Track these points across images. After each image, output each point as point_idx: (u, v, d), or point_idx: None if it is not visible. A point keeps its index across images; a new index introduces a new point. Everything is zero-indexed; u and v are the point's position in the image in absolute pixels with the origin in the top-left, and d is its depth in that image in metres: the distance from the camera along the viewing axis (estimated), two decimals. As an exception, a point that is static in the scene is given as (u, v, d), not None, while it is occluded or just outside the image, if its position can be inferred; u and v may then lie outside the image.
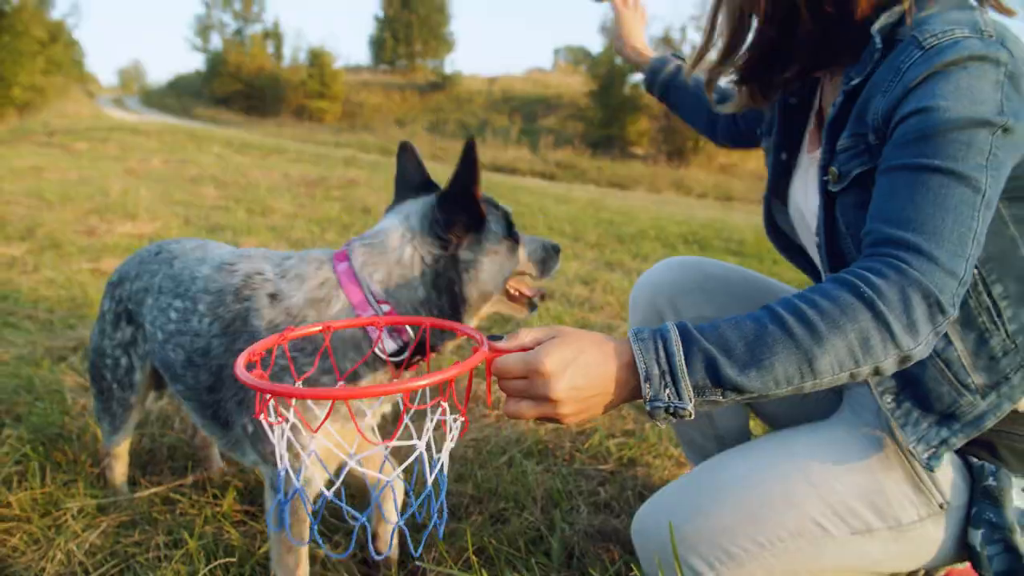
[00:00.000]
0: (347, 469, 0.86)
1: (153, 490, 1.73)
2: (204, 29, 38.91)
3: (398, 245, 1.25)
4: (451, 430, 0.89)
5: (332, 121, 31.96)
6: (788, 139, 1.33)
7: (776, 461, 1.17)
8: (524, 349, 0.92)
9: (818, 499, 1.12)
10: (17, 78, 19.49)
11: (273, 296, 1.26)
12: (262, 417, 0.83)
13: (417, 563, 1.45)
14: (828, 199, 1.13)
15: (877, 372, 0.92)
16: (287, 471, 0.86)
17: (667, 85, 1.81)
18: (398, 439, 0.87)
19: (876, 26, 1.04)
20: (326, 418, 0.85)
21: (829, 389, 1.44)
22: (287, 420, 0.86)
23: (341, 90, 34.02)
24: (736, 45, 1.16)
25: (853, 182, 1.07)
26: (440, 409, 0.88)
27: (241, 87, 35.02)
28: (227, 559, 1.47)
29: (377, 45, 40.52)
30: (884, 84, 1.01)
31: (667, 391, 0.89)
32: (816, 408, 1.44)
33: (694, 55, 1.26)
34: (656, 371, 0.89)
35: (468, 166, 1.19)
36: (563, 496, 1.74)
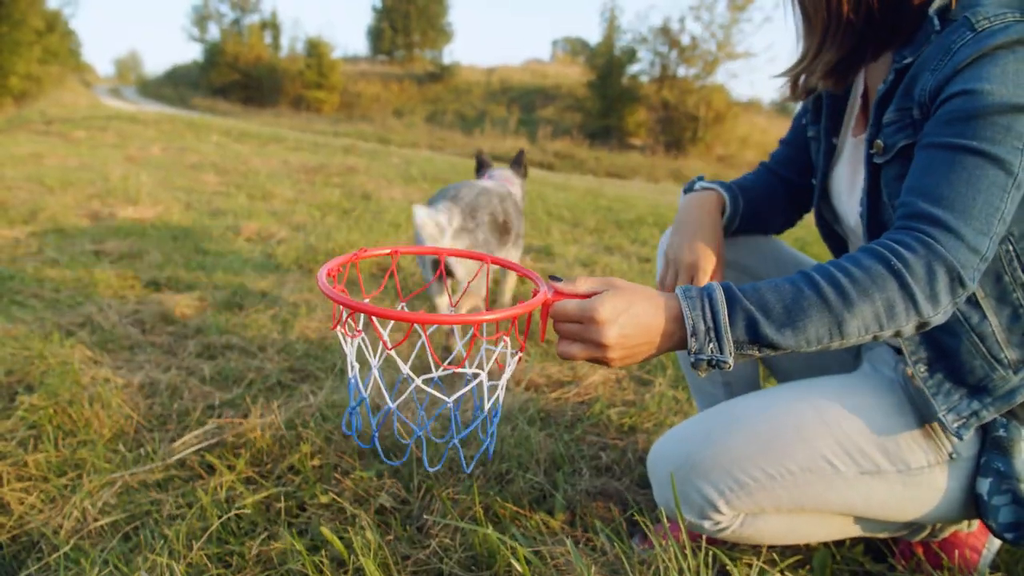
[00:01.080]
0: (412, 388, 0.93)
1: (179, 456, 1.77)
2: (201, 19, 38.73)
3: (511, 175, 2.94)
4: (509, 363, 0.97)
5: (330, 111, 31.92)
6: (835, 123, 1.37)
7: (791, 400, 1.23)
8: (580, 296, 1.00)
9: (829, 436, 1.17)
10: (14, 67, 19.44)
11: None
12: (338, 329, 0.91)
13: (425, 516, 1.50)
14: (873, 171, 1.18)
15: (897, 334, 1.00)
16: (356, 380, 0.94)
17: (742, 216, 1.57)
18: (452, 368, 0.96)
19: (934, 7, 1.09)
20: (404, 339, 0.91)
21: (846, 350, 1.51)
22: (362, 335, 0.94)
23: (339, 80, 33.96)
24: (828, 38, 1.19)
25: (897, 154, 1.12)
26: (502, 342, 0.97)
27: (238, 77, 34.94)
28: (237, 512, 1.51)
29: (375, 35, 40.39)
30: (933, 62, 1.06)
31: (711, 345, 0.97)
32: (832, 367, 1.50)
33: (801, 63, 1.26)
34: (702, 327, 0.97)
35: (521, 153, 2.75)
36: (565, 460, 1.78)
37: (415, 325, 0.87)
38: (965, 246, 0.97)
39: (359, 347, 0.98)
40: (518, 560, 1.27)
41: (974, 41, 1.01)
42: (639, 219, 6.54)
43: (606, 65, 26.78)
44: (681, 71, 26.01)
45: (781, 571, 1.34)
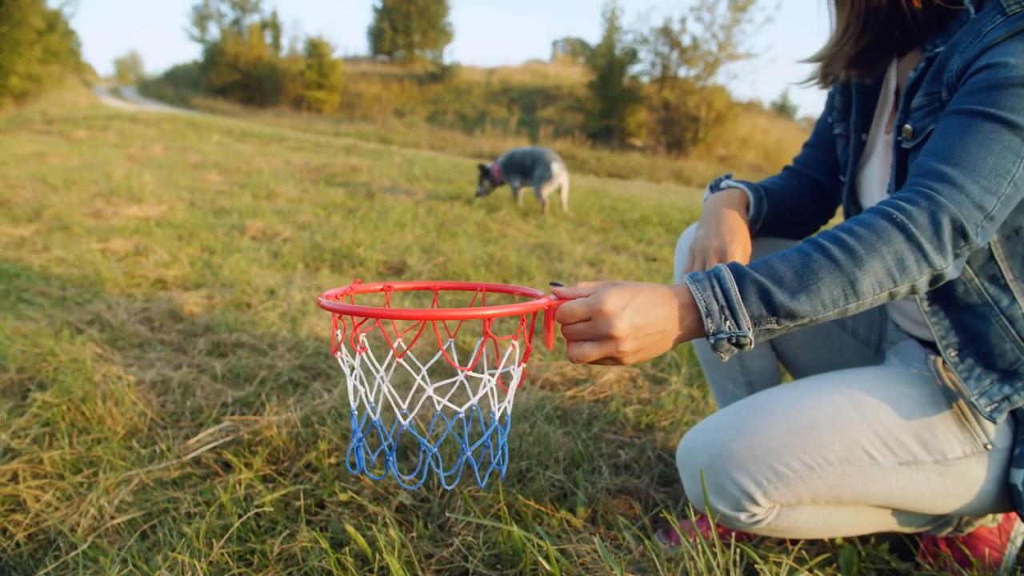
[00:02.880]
0: (424, 398, 0.90)
1: (194, 453, 1.76)
2: (202, 19, 38.66)
3: None
4: (515, 373, 0.94)
5: (330, 111, 31.89)
6: (866, 119, 1.36)
7: (824, 390, 1.21)
8: (584, 296, 0.98)
9: (866, 427, 1.16)
10: (15, 67, 19.40)
11: None
12: (338, 355, 0.87)
13: (447, 514, 1.48)
14: (900, 158, 1.17)
15: (913, 291, 0.99)
16: (369, 401, 0.91)
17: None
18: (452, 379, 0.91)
19: None
20: (416, 339, 0.88)
21: (866, 345, 1.49)
22: (367, 351, 0.91)
23: (339, 80, 33.92)
24: (852, 24, 1.18)
25: (925, 139, 1.11)
26: (512, 345, 0.94)
27: (239, 77, 34.92)
28: (257, 511, 1.49)
29: (375, 35, 40.36)
30: (963, 45, 1.06)
31: (728, 323, 0.95)
32: (853, 363, 1.49)
33: (828, 49, 1.25)
34: (715, 306, 0.95)
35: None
36: (584, 458, 1.77)
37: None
38: (969, 201, 0.96)
39: (359, 372, 0.94)
40: (547, 558, 1.25)
41: (1005, 23, 1.02)
42: (644, 218, 6.53)
43: (607, 65, 26.75)
44: (682, 72, 25.99)
45: (810, 569, 1.32)
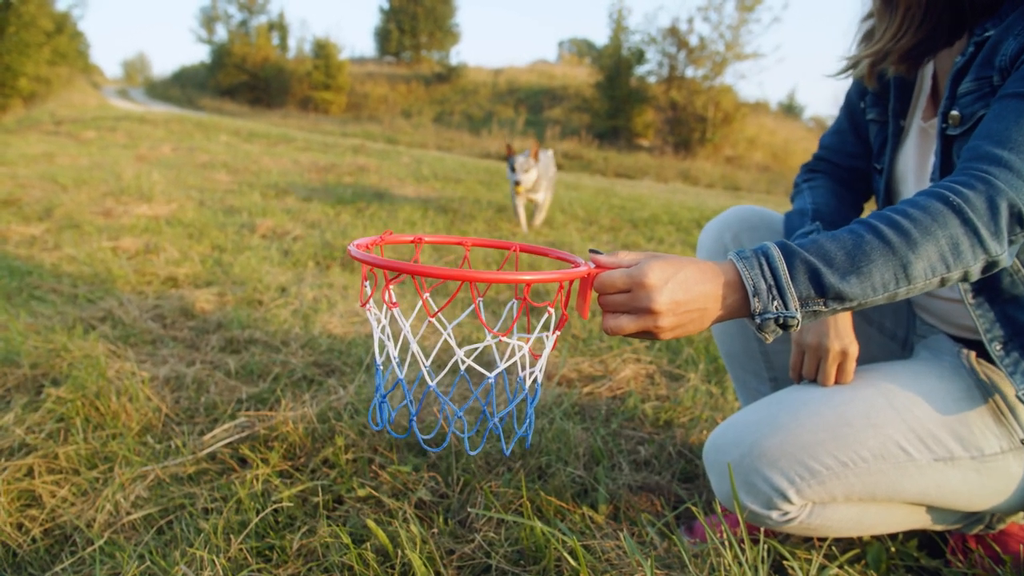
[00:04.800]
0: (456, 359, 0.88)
1: (210, 449, 1.74)
2: (209, 20, 38.74)
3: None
4: (549, 338, 0.90)
5: (337, 112, 31.92)
6: (904, 105, 1.32)
7: (857, 386, 1.19)
8: (624, 267, 0.95)
9: (901, 422, 1.13)
10: (23, 68, 19.44)
11: None
12: (368, 307, 0.84)
13: (469, 509, 1.46)
14: (945, 145, 1.14)
15: (965, 278, 0.95)
16: (394, 358, 0.87)
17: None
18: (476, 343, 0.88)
19: None
20: (453, 296, 0.84)
21: (892, 339, 1.46)
22: (398, 306, 0.87)
23: (346, 81, 33.94)
24: (921, 20, 1.15)
25: (974, 125, 1.08)
26: (547, 313, 0.91)
27: (246, 78, 34.97)
28: (275, 506, 1.47)
29: (382, 36, 40.37)
30: (1016, 28, 1.03)
31: (775, 303, 0.91)
32: (878, 358, 1.46)
33: (882, 45, 1.21)
34: (763, 285, 0.92)
35: None
36: (604, 454, 1.74)
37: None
38: None
39: (385, 327, 0.91)
40: (574, 555, 1.23)
41: None
42: (653, 217, 6.50)
43: (614, 66, 26.68)
44: (689, 72, 25.90)
45: (840, 565, 1.30)
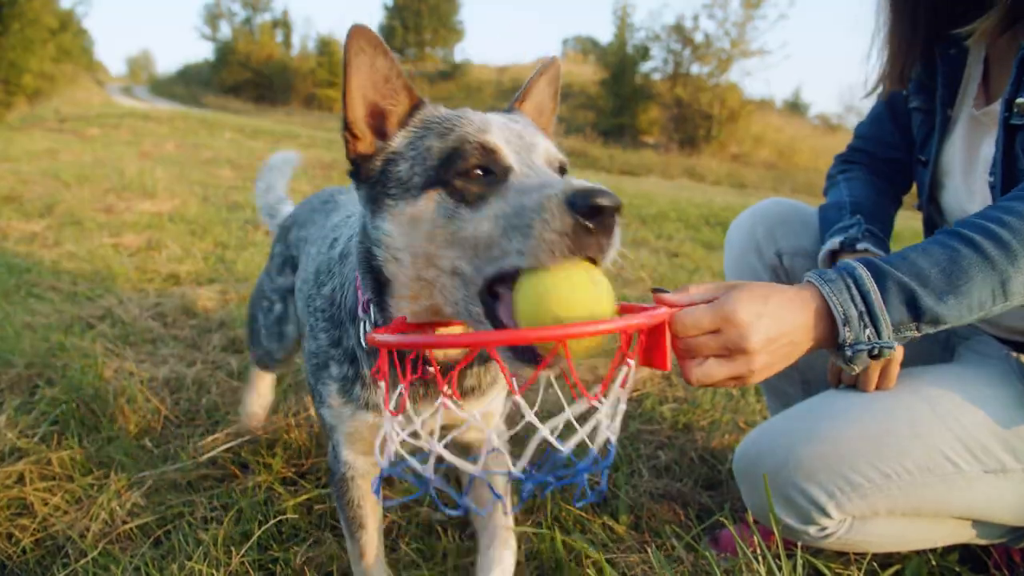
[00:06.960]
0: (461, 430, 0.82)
1: (210, 454, 1.67)
2: (213, 18, 38.73)
3: None
4: (619, 399, 0.79)
5: (341, 109, 31.86)
6: (951, 93, 1.24)
7: (898, 393, 1.10)
8: (701, 304, 0.83)
9: (947, 432, 1.05)
10: (28, 65, 19.40)
11: None
12: (387, 415, 0.76)
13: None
14: (1009, 136, 1.05)
15: None
16: (390, 436, 0.78)
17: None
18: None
19: None
20: (465, 362, 0.74)
21: (934, 342, 1.35)
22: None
23: (350, 79, 33.90)
24: None
25: None
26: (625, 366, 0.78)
27: (250, 76, 34.97)
28: (279, 517, 1.40)
29: (386, 33, 40.24)
30: None
31: (867, 331, 0.82)
32: (916, 360, 1.37)
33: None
34: (854, 312, 0.82)
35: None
36: (623, 459, 1.66)
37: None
38: None
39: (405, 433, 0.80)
40: (600, 572, 1.15)
41: None
42: (661, 214, 6.42)
43: (619, 63, 26.56)
44: (695, 69, 25.78)
45: (882, 583, 1.22)
